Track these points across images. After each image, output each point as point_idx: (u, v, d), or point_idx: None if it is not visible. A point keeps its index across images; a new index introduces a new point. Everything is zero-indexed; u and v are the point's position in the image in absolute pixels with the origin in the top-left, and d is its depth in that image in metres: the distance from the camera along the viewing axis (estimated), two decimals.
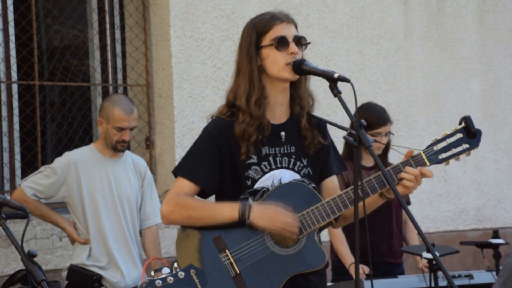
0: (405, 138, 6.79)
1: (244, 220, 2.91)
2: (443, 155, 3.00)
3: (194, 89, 5.78)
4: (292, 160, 3.06)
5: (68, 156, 4.59)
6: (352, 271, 4.57)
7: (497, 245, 4.76)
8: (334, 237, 4.74)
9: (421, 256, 4.58)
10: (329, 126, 3.18)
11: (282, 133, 3.06)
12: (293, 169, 3.05)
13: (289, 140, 3.06)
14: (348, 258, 4.63)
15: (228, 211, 2.92)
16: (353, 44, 6.58)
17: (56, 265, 5.14)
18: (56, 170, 4.52)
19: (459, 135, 3.02)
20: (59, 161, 4.57)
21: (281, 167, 3.03)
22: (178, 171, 3.02)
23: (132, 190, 4.64)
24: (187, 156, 3.04)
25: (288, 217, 2.91)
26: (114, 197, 4.57)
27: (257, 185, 2.99)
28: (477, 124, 7.88)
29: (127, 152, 4.72)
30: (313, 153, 3.07)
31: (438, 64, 7.02)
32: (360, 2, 6.60)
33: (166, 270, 2.59)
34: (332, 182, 3.15)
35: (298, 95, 3.08)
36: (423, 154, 3.01)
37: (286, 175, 3.03)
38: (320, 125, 3.13)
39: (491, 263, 4.80)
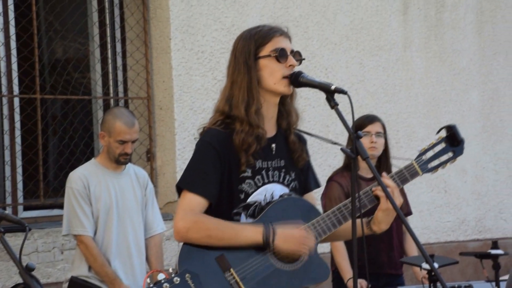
0: (405, 148, 6.81)
1: (269, 244, 2.89)
2: (432, 164, 3.06)
3: (194, 101, 5.81)
4: (282, 174, 3.07)
5: (76, 174, 4.59)
6: (350, 286, 4.58)
7: (497, 256, 4.77)
8: (335, 249, 4.76)
9: (420, 267, 4.59)
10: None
11: (273, 146, 3.07)
12: (283, 183, 3.07)
13: (279, 154, 3.07)
14: (347, 272, 4.64)
15: (251, 234, 2.90)
16: (352, 55, 6.62)
17: (58, 278, 5.15)
18: (80, 192, 4.52)
19: (444, 144, 3.08)
20: (74, 184, 4.54)
21: (273, 181, 3.04)
22: (185, 185, 2.97)
23: (137, 202, 4.66)
24: (191, 169, 2.99)
25: (311, 240, 2.94)
26: (120, 210, 4.59)
27: (250, 199, 3.00)
28: (476, 135, 7.94)
29: (129, 164, 4.74)
30: (299, 167, 3.10)
31: (437, 75, 7.05)
32: (359, 13, 6.64)
33: (161, 276, 2.61)
34: (311, 197, 3.18)
35: (285, 110, 3.10)
36: (415, 164, 3.05)
37: (277, 189, 3.04)
38: (301, 140, 3.15)
39: (491, 274, 4.81)
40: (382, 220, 3.02)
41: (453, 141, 3.08)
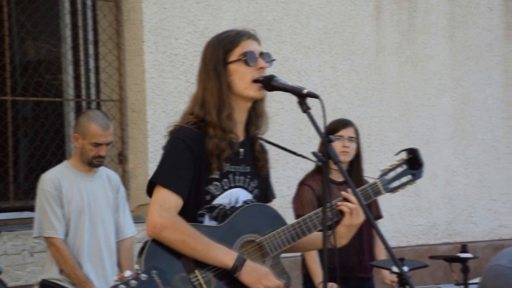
0: (377, 152, 6.85)
1: (235, 272, 2.91)
2: (393, 185, 3.11)
3: (167, 104, 5.80)
4: (248, 180, 3.08)
5: (48, 176, 4.56)
6: None
7: (466, 259, 4.82)
8: (307, 254, 4.77)
9: (390, 270, 4.62)
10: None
11: (241, 150, 3.07)
12: (247, 189, 3.07)
13: (246, 159, 3.07)
14: (317, 276, 4.66)
15: (223, 257, 2.91)
16: (325, 59, 6.65)
17: (27, 280, 5.12)
18: (52, 194, 4.48)
19: (405, 166, 3.13)
20: (46, 186, 4.51)
21: (238, 186, 3.05)
22: (160, 181, 2.93)
23: (109, 205, 4.64)
24: (165, 165, 2.96)
25: (273, 284, 2.95)
26: (91, 213, 4.56)
27: (215, 202, 3.00)
28: (447, 139, 8.01)
29: (101, 167, 4.72)
30: (262, 176, 3.11)
31: (409, 80, 7.11)
32: (332, 18, 6.68)
33: (128, 273, 2.60)
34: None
35: (256, 114, 3.10)
36: (379, 183, 3.09)
37: (242, 195, 3.04)
38: (263, 149, 3.16)
39: (460, 277, 4.85)
40: (343, 236, 3.06)
41: (413, 164, 3.13)
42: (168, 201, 2.92)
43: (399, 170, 3.13)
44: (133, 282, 2.59)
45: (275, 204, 3.17)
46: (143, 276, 2.60)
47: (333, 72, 6.69)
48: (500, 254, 3.97)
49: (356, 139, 4.87)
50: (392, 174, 3.11)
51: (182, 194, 2.94)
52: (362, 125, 6.56)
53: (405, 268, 4.42)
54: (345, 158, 4.79)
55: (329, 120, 5.05)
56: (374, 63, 6.90)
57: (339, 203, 3.04)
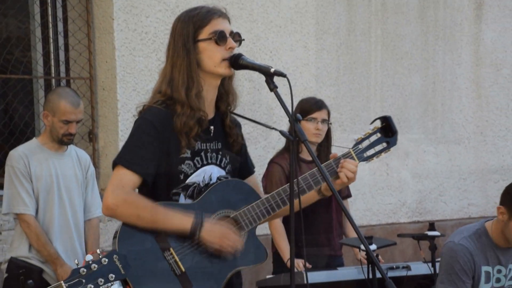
0: (348, 132, 6.88)
1: (195, 235, 2.91)
2: (368, 153, 3.13)
3: (138, 82, 5.78)
4: (219, 157, 3.09)
5: (17, 152, 4.53)
6: (289, 265, 4.64)
7: (433, 237, 4.88)
8: (274, 231, 4.80)
9: (359, 248, 4.67)
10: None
11: (212, 128, 3.08)
12: (220, 165, 3.09)
13: (216, 136, 3.09)
14: (286, 253, 4.70)
15: (180, 222, 2.91)
16: (297, 38, 6.64)
17: None
18: (21, 170, 4.45)
19: (379, 135, 3.15)
20: (14, 162, 4.47)
21: (211, 163, 3.06)
22: (120, 161, 2.95)
23: (78, 184, 4.63)
24: (128, 146, 2.99)
25: (236, 240, 2.95)
26: (61, 191, 4.55)
27: (189, 180, 3.01)
28: (417, 119, 8.05)
29: (71, 145, 4.70)
30: (234, 151, 3.12)
31: (381, 59, 7.13)
32: None
33: (89, 257, 2.63)
34: (254, 180, 3.21)
35: (225, 91, 3.11)
36: (352, 152, 3.11)
37: (215, 171, 3.06)
38: (236, 124, 3.17)
39: (428, 255, 4.92)
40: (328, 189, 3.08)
41: (387, 132, 3.15)
42: (123, 180, 2.93)
43: (373, 138, 3.15)
44: (94, 266, 2.62)
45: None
46: (104, 260, 2.63)
47: (305, 52, 6.69)
48: (455, 232, 4.06)
49: (328, 120, 4.91)
50: (366, 143, 3.13)
51: (141, 172, 2.94)
52: (334, 104, 6.58)
53: (374, 246, 4.46)
54: (317, 139, 4.83)
55: (300, 98, 5.08)
56: (345, 43, 6.91)
57: (340, 170, 3.05)
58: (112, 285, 2.63)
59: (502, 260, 3.99)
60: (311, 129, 4.80)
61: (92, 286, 2.60)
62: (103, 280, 2.62)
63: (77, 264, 2.64)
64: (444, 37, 7.50)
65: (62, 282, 2.57)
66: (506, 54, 7.75)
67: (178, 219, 2.91)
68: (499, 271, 3.98)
